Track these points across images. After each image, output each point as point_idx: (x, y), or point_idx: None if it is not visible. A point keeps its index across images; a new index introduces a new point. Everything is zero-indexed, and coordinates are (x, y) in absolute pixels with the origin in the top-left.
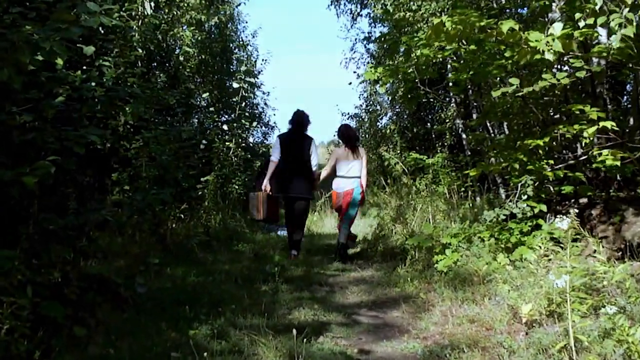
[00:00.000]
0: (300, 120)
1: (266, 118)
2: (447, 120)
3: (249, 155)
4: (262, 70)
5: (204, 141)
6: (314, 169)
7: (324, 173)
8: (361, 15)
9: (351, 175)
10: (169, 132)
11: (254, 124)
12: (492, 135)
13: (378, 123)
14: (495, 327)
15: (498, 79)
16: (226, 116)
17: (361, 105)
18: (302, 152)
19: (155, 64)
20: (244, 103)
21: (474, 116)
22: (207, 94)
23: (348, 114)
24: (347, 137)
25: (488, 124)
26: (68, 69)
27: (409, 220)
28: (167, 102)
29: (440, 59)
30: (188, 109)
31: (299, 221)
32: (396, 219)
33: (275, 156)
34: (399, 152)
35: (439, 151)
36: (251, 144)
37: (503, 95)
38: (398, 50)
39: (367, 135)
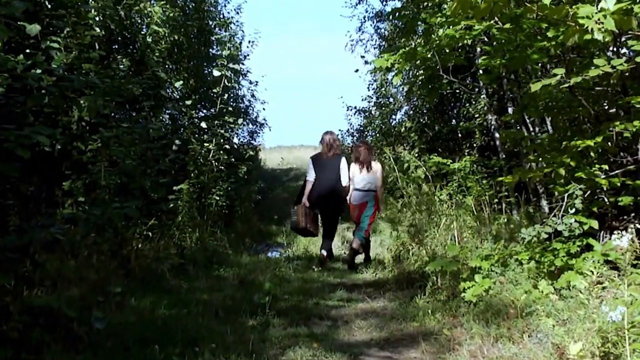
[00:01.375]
0: (329, 142)
1: (254, 113)
2: (477, 116)
3: (233, 159)
4: (248, 55)
5: (177, 142)
6: (344, 184)
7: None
8: None
9: (367, 189)
10: (133, 130)
11: (239, 120)
12: (532, 133)
13: (391, 119)
14: None
15: (539, 64)
16: (205, 111)
17: (370, 97)
18: (334, 171)
19: (116, 47)
20: (226, 95)
21: (510, 111)
22: (181, 83)
23: (355, 108)
24: (361, 161)
25: (527, 120)
26: (7, 52)
27: (430, 238)
28: (131, 94)
29: (468, 41)
30: (157, 102)
31: (330, 232)
32: (414, 237)
33: (310, 176)
34: (417, 154)
35: (466, 154)
36: (236, 145)
37: (544, 87)
38: (415, 29)
39: (377, 135)
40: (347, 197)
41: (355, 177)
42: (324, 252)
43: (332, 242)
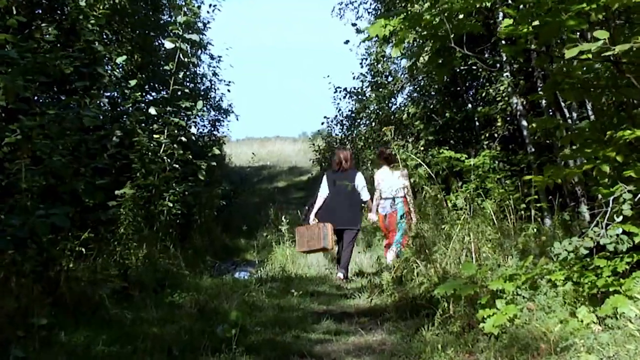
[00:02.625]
0: (340, 160)
1: (216, 97)
2: (498, 99)
3: (191, 155)
4: (209, 23)
5: (118, 132)
6: (365, 199)
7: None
8: None
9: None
10: (63, 118)
11: (199, 105)
12: (569, 121)
13: (390, 103)
14: None
15: (577, 33)
16: (154, 94)
17: (364, 76)
18: (352, 188)
19: (40, 12)
20: (182, 73)
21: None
22: (124, 59)
23: (344, 89)
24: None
25: (562, 104)
26: None
27: (440, 254)
28: (59, 72)
29: (487, 4)
30: (93, 83)
31: (347, 253)
32: (419, 252)
33: (323, 192)
34: (422, 148)
35: (485, 147)
36: (194, 138)
37: (581, 55)
38: None
39: (372, 123)
40: (372, 207)
41: (381, 184)
42: (341, 275)
43: (349, 262)
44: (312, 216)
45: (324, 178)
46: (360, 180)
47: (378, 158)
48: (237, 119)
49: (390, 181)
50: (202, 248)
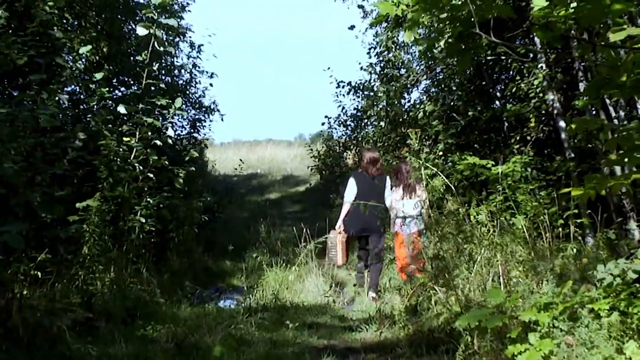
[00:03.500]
0: (372, 158)
1: (198, 91)
2: (532, 95)
3: (167, 162)
4: (188, 5)
5: (81, 135)
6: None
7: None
8: None
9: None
10: (15, 117)
11: (177, 103)
12: (615, 121)
13: (403, 100)
14: None
15: (625, 17)
16: (124, 89)
17: (372, 67)
18: (381, 191)
19: None
20: (156, 65)
21: (581, 88)
22: (88, 47)
23: (348, 84)
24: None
25: (607, 101)
26: None
27: (462, 279)
28: (10, 62)
29: None
30: (52, 76)
31: (377, 263)
32: (438, 276)
33: (350, 197)
34: (440, 153)
35: (515, 152)
36: (172, 141)
37: (631, 41)
38: None
39: (383, 124)
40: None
41: (396, 203)
42: (373, 294)
43: (379, 276)
44: (339, 223)
45: (351, 180)
46: (388, 185)
47: (394, 174)
48: (221, 119)
49: (411, 200)
50: (180, 271)
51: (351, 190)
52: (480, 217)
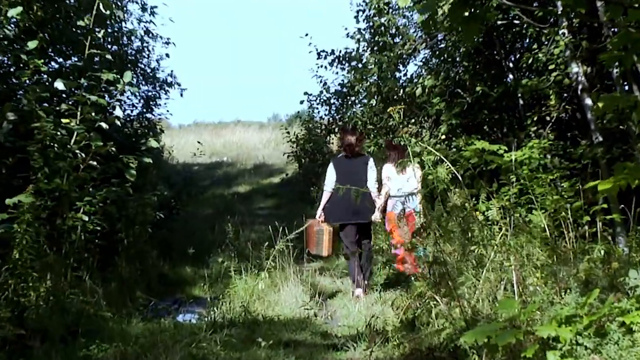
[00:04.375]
0: (348, 143)
1: (150, 63)
2: (552, 68)
3: (114, 148)
4: None
5: (10, 116)
6: (372, 189)
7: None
8: None
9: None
10: None
11: (127, 77)
12: None
13: (398, 73)
14: None
15: None
16: (62, 60)
17: (362, 33)
18: (362, 174)
19: None
20: (101, 31)
21: None
22: (18, 10)
23: (331, 53)
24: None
25: None
26: None
27: (468, 287)
28: None
29: None
30: None
31: (368, 254)
32: (439, 284)
33: (329, 184)
34: (442, 136)
35: (533, 135)
36: (120, 123)
37: None
38: None
39: (373, 101)
40: (379, 205)
41: (392, 180)
42: (360, 292)
43: (370, 271)
44: (318, 212)
45: (330, 166)
46: (372, 167)
47: (387, 149)
48: (181, 95)
49: (404, 176)
50: (130, 279)
51: (330, 176)
52: (490, 213)
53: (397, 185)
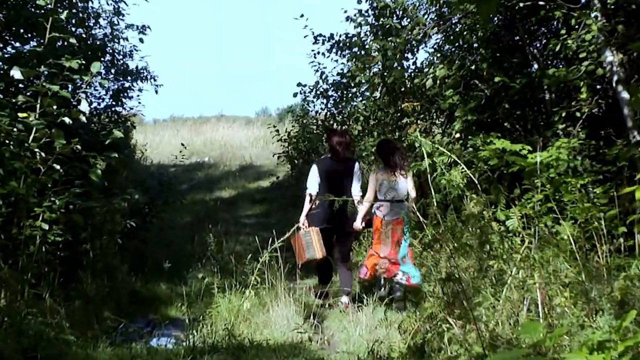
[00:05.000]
0: (340, 141)
1: (123, 49)
2: (582, 56)
3: (79, 147)
4: None
5: None
6: (356, 197)
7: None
8: None
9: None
10: None
11: (95, 67)
12: None
13: (406, 61)
14: None
15: None
16: (19, 45)
17: (364, 15)
18: (347, 180)
19: None
20: (65, 12)
21: None
22: None
23: (330, 38)
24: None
25: None
26: None
27: (486, 308)
28: None
29: None
30: None
31: (347, 262)
32: (452, 304)
33: (313, 188)
34: (456, 135)
35: (561, 133)
36: (86, 118)
37: None
38: None
39: (378, 94)
40: (362, 213)
41: (382, 184)
42: (345, 300)
43: (352, 278)
44: (302, 219)
45: (313, 169)
46: (358, 173)
47: (378, 154)
48: (155, 92)
49: (396, 182)
50: (97, 298)
51: (313, 179)
52: (511, 222)
53: (384, 191)
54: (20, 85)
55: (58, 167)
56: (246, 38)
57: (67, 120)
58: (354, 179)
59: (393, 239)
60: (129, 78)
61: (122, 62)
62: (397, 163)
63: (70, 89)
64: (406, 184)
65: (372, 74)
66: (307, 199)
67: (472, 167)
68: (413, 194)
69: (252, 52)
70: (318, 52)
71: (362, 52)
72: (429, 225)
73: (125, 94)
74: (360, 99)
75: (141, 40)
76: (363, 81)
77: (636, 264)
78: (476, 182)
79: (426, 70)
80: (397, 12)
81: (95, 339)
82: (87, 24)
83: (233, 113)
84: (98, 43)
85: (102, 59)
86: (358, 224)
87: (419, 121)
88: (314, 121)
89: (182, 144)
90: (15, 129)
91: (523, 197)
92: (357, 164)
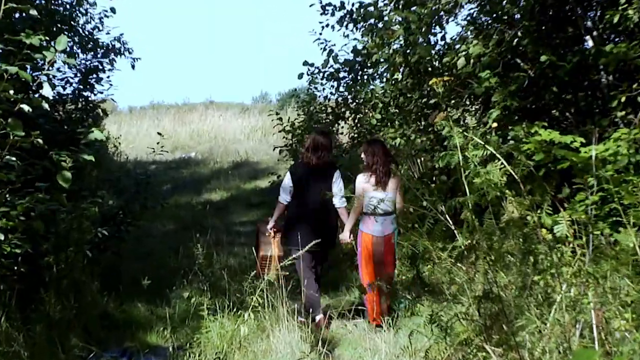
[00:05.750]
0: (317, 143)
1: (91, 22)
2: None
3: (40, 142)
4: None
5: None
6: (338, 205)
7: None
8: None
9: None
10: None
11: (60, 43)
12: None
13: (433, 37)
14: None
15: None
16: None
17: None
18: (325, 187)
19: None
20: None
21: None
22: None
23: (341, 7)
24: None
25: None
26: None
27: (529, 333)
28: None
29: None
30: None
31: (318, 278)
32: (489, 328)
33: (284, 197)
34: (493, 124)
35: (619, 122)
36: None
37: None
38: None
39: (400, 76)
40: (348, 227)
41: (368, 194)
42: (320, 317)
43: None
44: (270, 224)
45: (287, 176)
46: (338, 182)
47: (365, 152)
48: (132, 67)
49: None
50: (62, 321)
51: (286, 187)
52: (559, 229)
53: (372, 201)
54: None
55: (16, 162)
56: (239, 13)
57: (26, 108)
58: (335, 187)
59: (386, 258)
60: (99, 54)
61: (90, 36)
62: (385, 170)
63: (30, 71)
64: (393, 193)
65: (393, 51)
66: (278, 208)
67: (513, 162)
68: (400, 204)
69: (246, 29)
70: (327, 25)
71: (380, 25)
72: (462, 233)
73: (96, 77)
74: (379, 81)
75: (112, 9)
76: (381, 60)
77: None
78: (518, 180)
79: (457, 46)
80: None
81: None
82: None
83: (225, 99)
84: (64, 13)
85: (68, 33)
86: (346, 237)
87: (448, 108)
88: (323, 108)
89: (159, 134)
90: None
91: (574, 198)
92: (337, 172)
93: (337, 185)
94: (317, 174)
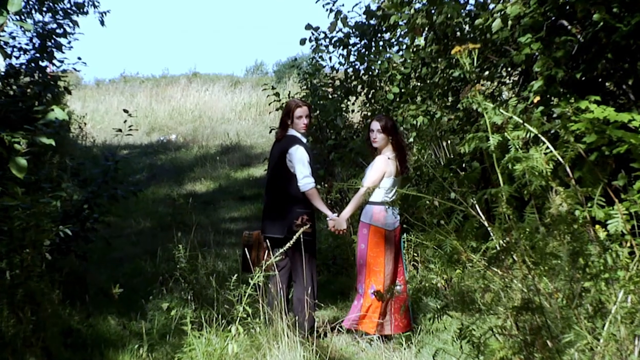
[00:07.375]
0: (292, 112)
1: None
2: None
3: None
4: None
5: None
6: (301, 184)
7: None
8: None
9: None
10: None
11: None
12: None
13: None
14: None
15: None
16: None
17: None
18: (281, 166)
19: None
20: None
21: None
22: None
23: None
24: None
25: None
26: None
27: (579, 350)
28: None
29: None
30: None
31: (300, 281)
32: (530, 344)
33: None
34: (535, 99)
35: None
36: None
37: None
38: None
39: (422, 42)
40: (349, 212)
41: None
42: (303, 332)
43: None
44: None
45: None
46: (293, 155)
47: (384, 131)
48: (101, 22)
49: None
50: (16, 339)
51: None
52: (614, 225)
53: (386, 192)
54: None
55: None
56: None
57: None
58: (293, 165)
59: (399, 256)
60: (59, 14)
61: None
62: (405, 153)
63: None
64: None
65: (414, 11)
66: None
67: (558, 144)
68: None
69: None
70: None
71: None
72: (496, 230)
73: (54, 41)
74: (397, 48)
75: None
76: (400, 23)
77: None
78: (566, 167)
79: (492, 6)
80: None
81: None
82: None
83: (211, 70)
84: None
85: None
86: (343, 224)
87: (481, 80)
88: (329, 81)
89: (126, 111)
90: None
91: (632, 187)
92: (295, 147)
93: (298, 161)
94: (276, 150)
